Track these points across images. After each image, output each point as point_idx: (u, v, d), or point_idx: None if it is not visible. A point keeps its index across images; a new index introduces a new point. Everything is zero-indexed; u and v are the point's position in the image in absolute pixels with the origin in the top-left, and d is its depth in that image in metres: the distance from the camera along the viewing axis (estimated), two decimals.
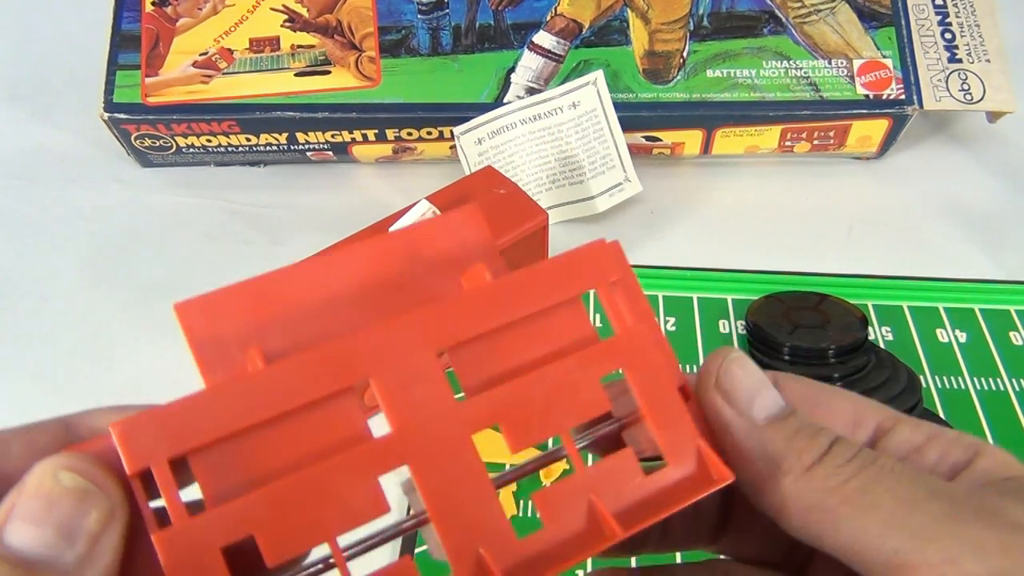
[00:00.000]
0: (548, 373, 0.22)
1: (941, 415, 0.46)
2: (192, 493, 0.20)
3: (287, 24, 0.58)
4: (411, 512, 0.22)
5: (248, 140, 0.59)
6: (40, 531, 0.18)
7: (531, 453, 0.48)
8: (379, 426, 0.21)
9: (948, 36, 0.59)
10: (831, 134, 0.59)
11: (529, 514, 0.43)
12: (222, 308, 0.21)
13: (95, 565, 0.18)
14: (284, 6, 0.59)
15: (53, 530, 0.18)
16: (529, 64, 0.58)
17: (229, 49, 0.58)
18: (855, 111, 0.57)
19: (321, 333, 0.21)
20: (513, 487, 0.44)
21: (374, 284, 0.22)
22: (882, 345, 0.50)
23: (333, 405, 0.21)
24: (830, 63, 0.58)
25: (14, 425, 0.21)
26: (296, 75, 0.57)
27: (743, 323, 0.51)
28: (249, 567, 0.20)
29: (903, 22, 0.59)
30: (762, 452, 0.22)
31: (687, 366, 0.49)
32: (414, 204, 0.45)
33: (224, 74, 0.57)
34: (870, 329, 0.51)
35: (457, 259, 0.23)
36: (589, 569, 0.42)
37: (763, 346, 0.49)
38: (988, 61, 0.58)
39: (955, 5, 0.60)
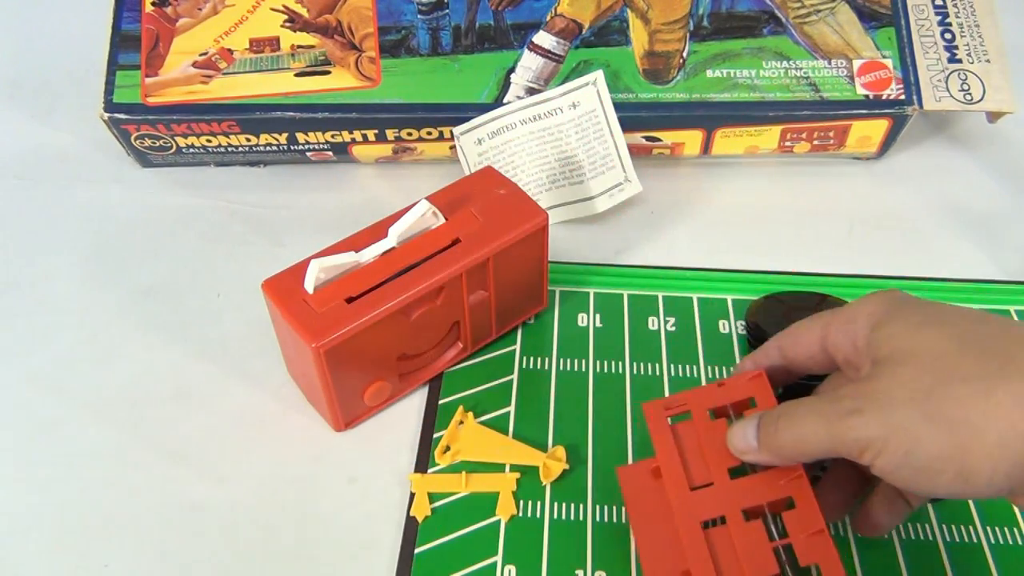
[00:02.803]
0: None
1: None
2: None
3: (287, 24, 0.58)
4: None
5: (248, 140, 0.59)
6: None
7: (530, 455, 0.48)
8: None
9: (948, 36, 0.59)
10: (831, 134, 0.59)
11: (529, 514, 0.43)
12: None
13: None
14: (284, 6, 0.59)
15: None
16: (529, 64, 0.58)
17: (229, 49, 0.58)
18: (855, 111, 0.57)
19: None
20: (513, 487, 0.44)
21: None
22: None
23: None
24: (830, 63, 0.58)
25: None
26: (296, 75, 0.57)
27: (743, 323, 0.52)
28: None
29: (903, 22, 0.59)
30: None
31: (687, 366, 0.49)
32: (414, 204, 0.45)
33: (224, 74, 0.57)
34: None
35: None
36: None
37: None
38: (988, 61, 0.58)
39: (955, 5, 0.60)
